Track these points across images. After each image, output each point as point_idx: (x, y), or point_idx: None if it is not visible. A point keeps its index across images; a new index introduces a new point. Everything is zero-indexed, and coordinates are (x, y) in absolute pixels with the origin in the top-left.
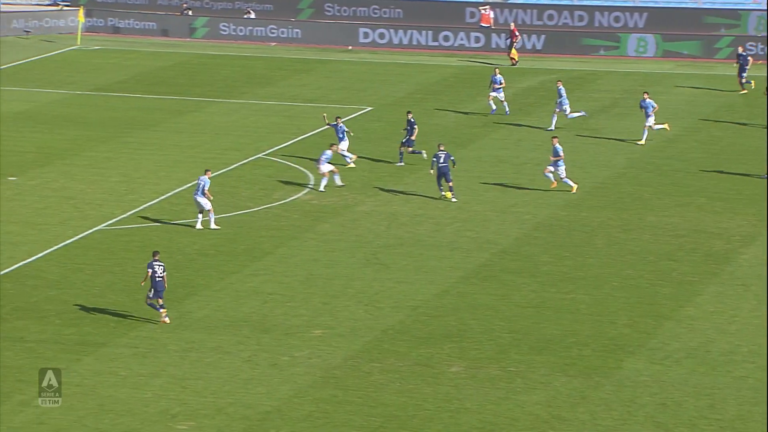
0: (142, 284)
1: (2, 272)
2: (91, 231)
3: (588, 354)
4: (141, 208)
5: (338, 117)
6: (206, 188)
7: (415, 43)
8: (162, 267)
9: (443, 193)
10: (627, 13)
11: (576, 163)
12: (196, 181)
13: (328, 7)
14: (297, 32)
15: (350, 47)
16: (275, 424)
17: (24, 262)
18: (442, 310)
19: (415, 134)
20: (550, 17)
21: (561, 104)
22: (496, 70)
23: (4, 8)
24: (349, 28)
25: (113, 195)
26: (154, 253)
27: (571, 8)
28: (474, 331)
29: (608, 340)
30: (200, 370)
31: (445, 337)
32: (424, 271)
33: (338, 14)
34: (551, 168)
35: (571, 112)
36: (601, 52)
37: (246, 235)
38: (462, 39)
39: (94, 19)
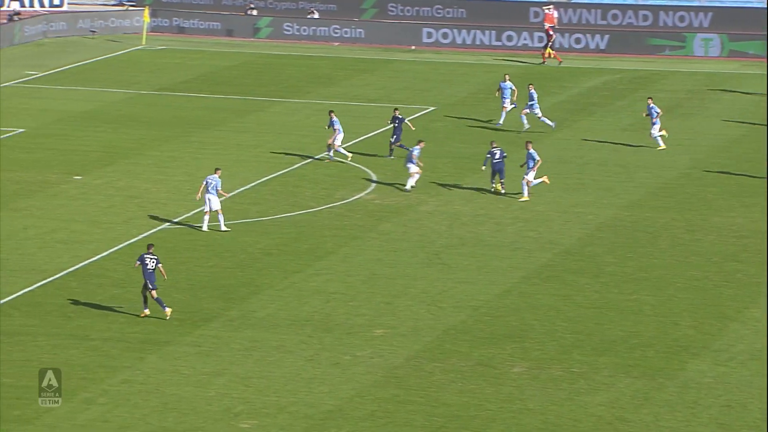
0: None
1: (68, 270)
2: (155, 230)
3: (651, 355)
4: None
5: (331, 111)
6: (218, 188)
7: (478, 42)
8: (154, 260)
9: (494, 185)
10: (692, 13)
11: (640, 164)
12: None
13: (392, 7)
14: (360, 32)
15: (413, 47)
16: (337, 423)
17: (89, 260)
18: (504, 310)
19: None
20: (615, 17)
21: (532, 107)
22: (506, 76)
23: (71, 8)
24: (413, 27)
25: (177, 194)
26: (149, 246)
27: (635, 8)
28: (536, 332)
29: (672, 341)
30: (263, 369)
31: (507, 338)
32: (485, 271)
33: (401, 14)
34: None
35: (542, 116)
36: (666, 51)
37: (309, 235)
38: (525, 39)
39: (159, 19)
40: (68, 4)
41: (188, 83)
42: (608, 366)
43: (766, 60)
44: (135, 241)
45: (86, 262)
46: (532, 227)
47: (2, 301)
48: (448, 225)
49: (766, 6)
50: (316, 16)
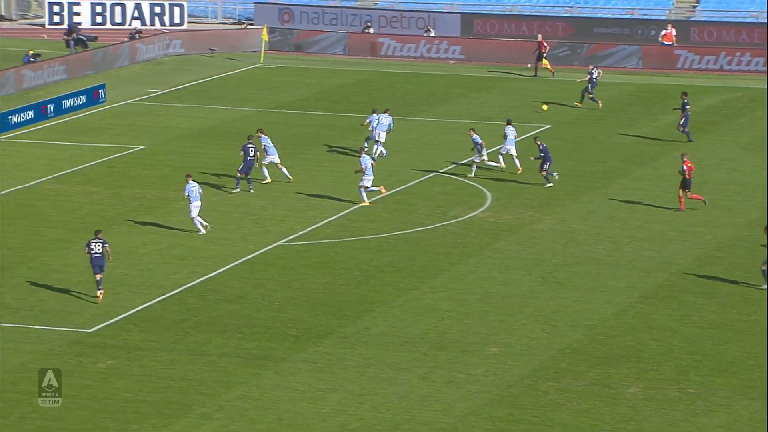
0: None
1: (185, 286)
2: (271, 246)
3: None
4: (320, 224)
5: (260, 129)
6: (200, 191)
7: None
8: (100, 244)
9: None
10: None
11: (759, 183)
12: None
13: (507, 25)
14: (476, 50)
15: (529, 65)
16: None
17: (206, 276)
18: (620, 330)
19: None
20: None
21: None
22: (471, 131)
23: (190, 27)
24: (529, 46)
25: (293, 211)
26: (96, 232)
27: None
28: (652, 352)
29: None
30: (377, 386)
31: (623, 357)
32: (601, 290)
33: (517, 32)
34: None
35: (489, 160)
36: None
37: (423, 252)
38: (636, 58)
39: (277, 37)
40: (188, 23)
41: (304, 101)
42: (725, 387)
43: (766, 74)
44: (251, 258)
45: (203, 277)
46: (649, 246)
47: (121, 316)
48: (563, 244)
49: (767, 21)
50: (433, 33)
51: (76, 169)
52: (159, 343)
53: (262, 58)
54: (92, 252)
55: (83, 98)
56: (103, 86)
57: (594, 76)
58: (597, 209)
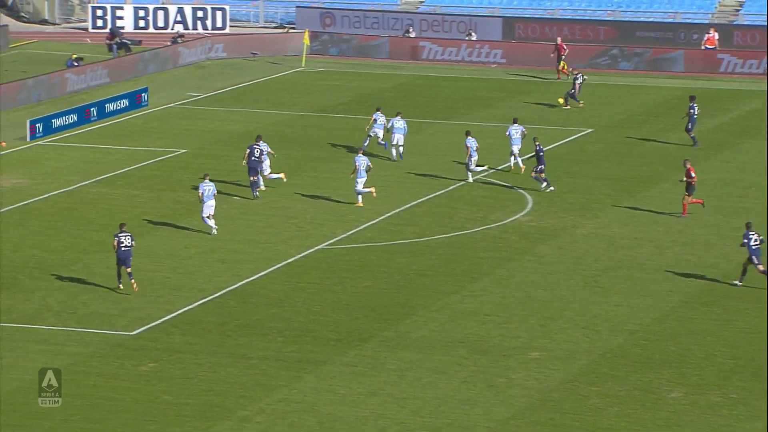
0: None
1: (227, 289)
2: (312, 250)
3: None
4: (361, 227)
5: (260, 136)
6: (215, 191)
7: (633, 65)
8: (129, 237)
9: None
10: None
11: None
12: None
13: (548, 29)
14: (518, 53)
15: (571, 69)
16: None
17: (248, 279)
18: (662, 335)
19: None
20: None
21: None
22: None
23: (233, 31)
24: (570, 49)
25: (334, 214)
26: (121, 225)
27: None
28: (695, 357)
29: None
30: (417, 390)
31: (665, 362)
32: (643, 294)
33: (559, 36)
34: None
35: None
36: None
37: (464, 256)
38: (680, 61)
39: (319, 41)
40: (230, 27)
41: (345, 105)
42: None
43: (766, 77)
44: (292, 261)
45: (245, 281)
46: (691, 251)
47: (163, 319)
48: (605, 248)
49: (766, 24)
50: (474, 37)
51: (118, 172)
52: (200, 346)
53: (303, 62)
54: (122, 245)
55: (126, 102)
56: (146, 90)
57: (578, 81)
58: (639, 213)
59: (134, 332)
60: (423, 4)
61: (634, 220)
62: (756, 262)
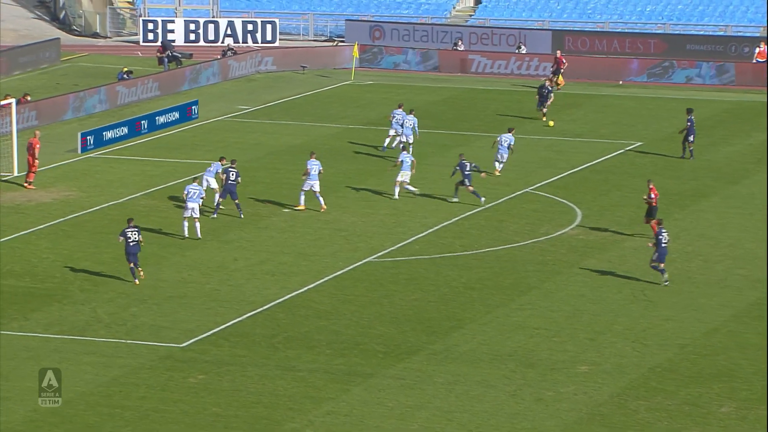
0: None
1: (276, 302)
2: (360, 263)
3: None
4: (409, 240)
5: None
6: (203, 195)
7: (683, 78)
8: (136, 231)
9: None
10: None
11: None
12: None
13: (598, 42)
14: (568, 67)
15: (621, 82)
16: None
17: (296, 292)
18: (712, 349)
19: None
20: None
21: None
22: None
23: (282, 44)
24: (620, 62)
25: (382, 227)
26: (129, 221)
27: None
28: (745, 371)
29: None
30: (465, 403)
31: (715, 377)
32: (692, 308)
33: (609, 49)
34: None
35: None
36: None
37: (512, 269)
38: (734, 74)
39: (368, 54)
40: (280, 40)
41: None
42: None
43: (766, 84)
44: (340, 274)
45: (293, 293)
46: (742, 265)
47: (212, 331)
48: None
49: (766, 28)
50: (524, 50)
51: (168, 184)
52: (249, 358)
53: (353, 75)
54: (129, 240)
55: (177, 114)
56: (196, 102)
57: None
58: (688, 227)
59: (183, 344)
60: (472, 17)
61: (684, 234)
62: (656, 259)
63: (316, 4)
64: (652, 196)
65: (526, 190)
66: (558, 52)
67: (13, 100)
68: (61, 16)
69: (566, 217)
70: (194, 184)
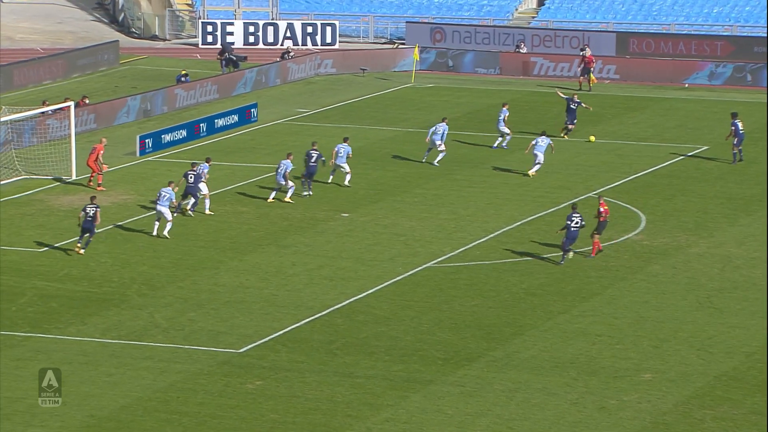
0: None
1: (334, 307)
2: (420, 268)
3: None
4: (470, 245)
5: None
6: (173, 199)
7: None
8: (94, 207)
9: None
10: None
11: None
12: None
13: (663, 44)
14: (632, 70)
15: (686, 84)
16: None
17: (355, 297)
18: None
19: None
20: None
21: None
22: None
23: (342, 47)
24: (685, 64)
25: (442, 232)
26: (92, 198)
27: None
28: None
29: None
30: (526, 411)
31: None
32: (759, 315)
33: (674, 51)
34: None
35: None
36: None
37: (574, 275)
38: None
39: (429, 56)
40: (339, 42)
41: (455, 121)
42: None
43: (766, 87)
44: (399, 279)
45: (352, 299)
46: None
47: (270, 336)
48: (720, 268)
49: (766, 31)
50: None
51: (227, 188)
52: (307, 364)
53: (413, 78)
54: (87, 216)
55: (236, 117)
56: (255, 105)
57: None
58: (756, 233)
59: (241, 350)
60: (535, 19)
61: (750, 240)
62: (565, 242)
63: (377, 5)
64: (601, 210)
65: (589, 194)
66: (587, 48)
67: (71, 103)
68: (120, 18)
69: (630, 222)
70: (168, 188)
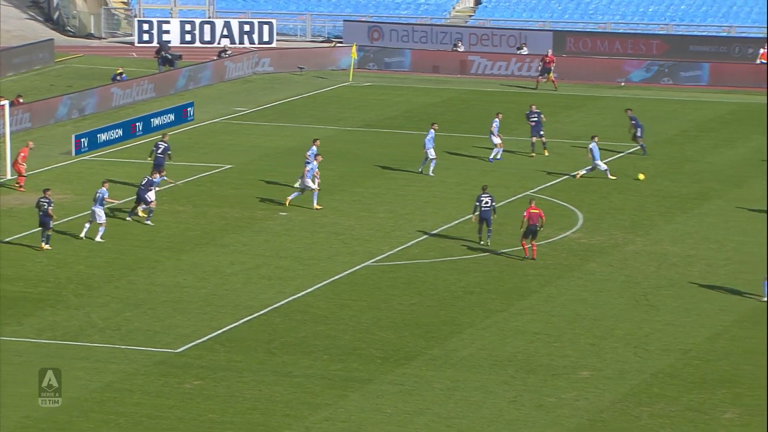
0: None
1: (272, 306)
2: (358, 267)
3: None
4: (408, 244)
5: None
6: (106, 197)
7: (685, 79)
8: (47, 202)
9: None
10: None
11: None
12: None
13: (601, 43)
14: (568, 68)
15: (622, 83)
16: None
17: (293, 296)
18: (715, 354)
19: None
20: None
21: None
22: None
23: (279, 45)
24: (621, 63)
25: (380, 231)
26: (45, 191)
27: None
28: (748, 377)
29: None
30: (465, 410)
31: (718, 383)
32: (695, 313)
33: (611, 50)
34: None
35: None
36: None
37: (512, 274)
38: (737, 76)
39: (366, 55)
40: (277, 41)
41: (393, 120)
42: None
43: (766, 85)
44: (338, 278)
45: (290, 298)
46: (746, 269)
47: (208, 336)
48: (656, 266)
49: (766, 28)
50: (525, 51)
51: (163, 188)
52: (245, 363)
53: (351, 77)
54: (40, 209)
55: (172, 116)
56: (191, 104)
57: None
58: (691, 230)
59: (179, 349)
60: (472, 17)
61: (686, 238)
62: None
63: (314, 4)
64: (529, 213)
65: (526, 193)
66: (549, 51)
67: (6, 102)
68: (55, 16)
69: (568, 220)
70: (103, 189)
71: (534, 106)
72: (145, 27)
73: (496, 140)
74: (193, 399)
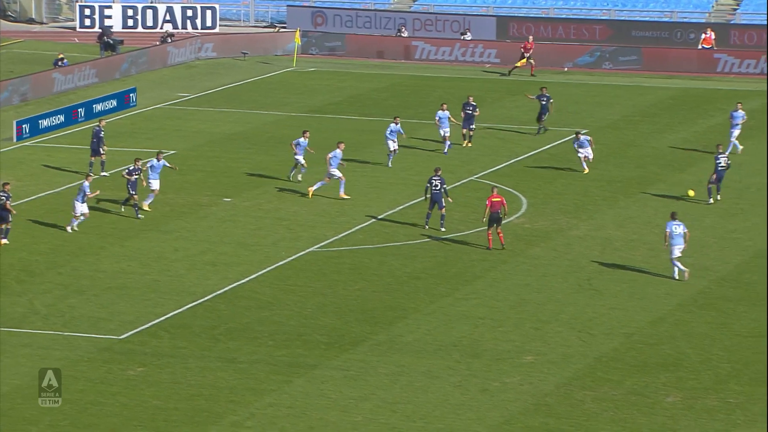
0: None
1: (216, 293)
2: (303, 252)
3: None
4: (352, 230)
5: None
6: (87, 192)
7: (626, 64)
8: (4, 196)
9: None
10: None
11: None
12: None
13: (544, 28)
14: (512, 54)
15: (566, 68)
16: None
17: (237, 282)
18: (658, 338)
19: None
20: None
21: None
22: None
23: (222, 30)
24: (564, 49)
25: (325, 217)
26: (4, 185)
27: None
28: (691, 360)
29: None
30: (410, 394)
31: (661, 366)
32: (638, 297)
33: (554, 35)
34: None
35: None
36: None
37: (457, 259)
38: (676, 61)
39: (310, 40)
40: (220, 26)
41: (337, 105)
42: (766, 397)
43: (766, 76)
44: (282, 264)
45: (234, 284)
46: (688, 253)
47: (152, 323)
48: (600, 250)
49: (766, 21)
50: (469, 37)
51: (105, 174)
52: (189, 350)
53: (294, 62)
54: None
55: (114, 102)
56: (134, 90)
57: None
58: (634, 215)
59: (122, 336)
60: (416, 3)
61: (629, 222)
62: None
63: None
64: (491, 201)
65: (471, 178)
66: (530, 38)
67: None
68: None
69: (511, 205)
70: (85, 182)
71: (471, 98)
72: (87, 12)
73: (445, 132)
74: (137, 385)
